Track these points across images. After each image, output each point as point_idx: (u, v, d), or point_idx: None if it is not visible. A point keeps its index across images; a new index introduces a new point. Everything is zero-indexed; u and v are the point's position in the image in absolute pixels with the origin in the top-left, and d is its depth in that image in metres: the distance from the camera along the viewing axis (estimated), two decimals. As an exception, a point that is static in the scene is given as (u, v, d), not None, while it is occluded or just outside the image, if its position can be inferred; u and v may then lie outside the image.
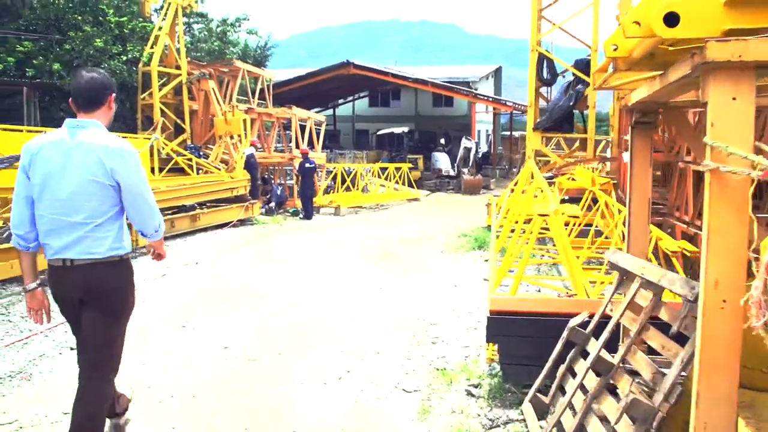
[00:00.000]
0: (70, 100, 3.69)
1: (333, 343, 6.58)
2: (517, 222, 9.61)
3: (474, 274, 9.90)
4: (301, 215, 18.52)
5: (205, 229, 14.44)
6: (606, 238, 9.04)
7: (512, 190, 13.39)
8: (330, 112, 47.64)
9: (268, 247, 12.64)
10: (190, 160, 15.06)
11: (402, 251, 12.25)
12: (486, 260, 11.02)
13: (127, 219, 3.78)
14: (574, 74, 15.98)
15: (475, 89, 39.62)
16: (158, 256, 4.12)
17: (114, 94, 3.76)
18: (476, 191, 29.99)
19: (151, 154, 13.48)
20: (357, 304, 8.12)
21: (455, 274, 9.93)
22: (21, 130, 11.43)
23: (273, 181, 21.19)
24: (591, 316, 4.61)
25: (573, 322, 4.62)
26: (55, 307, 3.82)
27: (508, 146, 45.64)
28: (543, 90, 16.95)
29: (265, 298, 8.33)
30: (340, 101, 48.25)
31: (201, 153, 17.48)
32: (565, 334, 4.59)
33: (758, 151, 2.67)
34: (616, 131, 15.11)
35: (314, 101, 39.27)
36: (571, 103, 15.56)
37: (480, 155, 36.67)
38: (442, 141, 36.88)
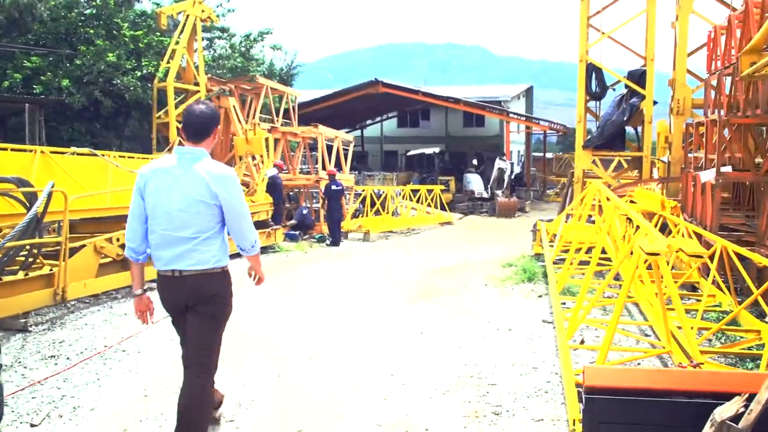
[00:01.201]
0: (180, 128, 4.21)
1: (367, 412, 5.16)
2: (578, 250, 8.15)
3: (529, 314, 8.42)
4: (328, 242, 17.17)
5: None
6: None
7: (569, 216, 11.97)
8: (358, 133, 46.54)
9: (290, 279, 11.28)
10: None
11: (441, 284, 10.81)
12: (540, 296, 9.53)
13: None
14: (627, 87, 14.54)
15: (507, 109, 38.22)
16: (258, 280, 4.67)
17: (219, 126, 4.28)
18: (511, 214, 28.48)
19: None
20: (395, 355, 6.68)
21: (507, 314, 8.45)
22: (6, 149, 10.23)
23: (299, 202, 19.92)
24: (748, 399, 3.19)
25: (723, 413, 3.17)
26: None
27: (541, 167, 44.18)
28: (591, 105, 15.43)
29: (283, 349, 6.91)
30: (368, 122, 47.15)
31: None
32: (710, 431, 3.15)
33: None
34: (677, 149, 13.59)
35: (342, 122, 38.09)
36: (625, 118, 14.13)
37: (513, 176, 35.18)
38: (475, 162, 35.47)
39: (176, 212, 4.01)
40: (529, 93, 52.85)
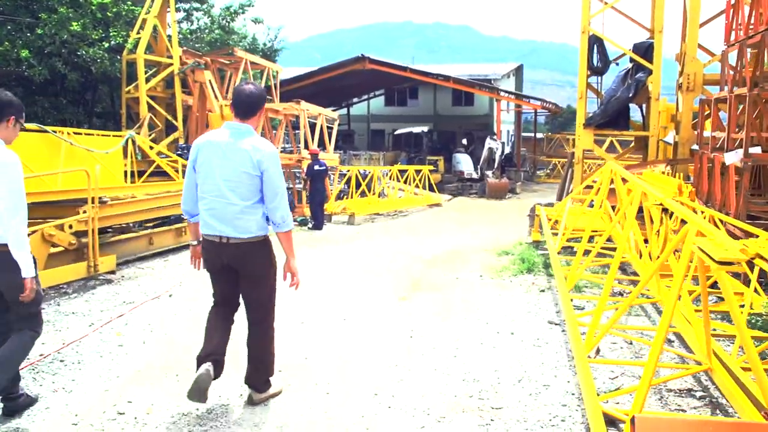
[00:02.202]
0: (230, 105, 4.67)
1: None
2: (591, 239, 7.16)
3: (532, 313, 7.44)
4: (310, 225, 16.13)
5: (193, 245, 12.10)
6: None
7: (576, 201, 10.98)
8: (344, 111, 45.46)
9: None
10: (176, 162, 12.70)
11: (432, 275, 9.82)
12: (542, 290, 8.55)
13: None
14: (632, 61, 13.51)
15: (498, 87, 37.13)
16: (293, 280, 4.73)
17: (264, 106, 4.74)
18: (502, 195, 27.59)
19: (126, 155, 11.13)
20: (379, 367, 5.67)
21: (507, 313, 7.47)
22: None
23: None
24: None
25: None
26: None
27: (531, 147, 43.27)
28: (592, 81, 14.37)
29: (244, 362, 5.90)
30: (355, 100, 46.05)
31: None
32: None
33: None
34: (686, 128, 12.61)
35: (327, 100, 36.89)
36: (630, 95, 13.10)
37: (504, 157, 34.17)
38: (464, 141, 34.45)
39: (223, 182, 4.42)
40: (519, 71, 51.76)
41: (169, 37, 16.42)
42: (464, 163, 31.63)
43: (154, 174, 12.82)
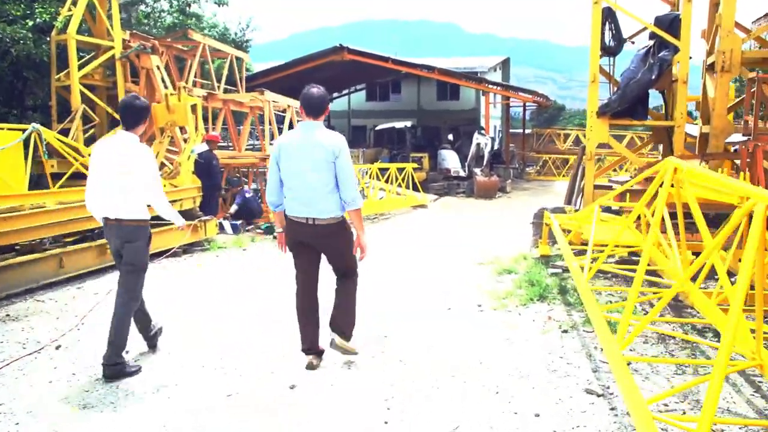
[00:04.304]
0: (300, 107, 5.23)
1: None
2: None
3: (560, 372, 5.24)
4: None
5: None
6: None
7: (576, 200, 8.81)
8: (323, 106, 43.14)
9: (209, 297, 8.03)
10: (101, 161, 10.40)
11: (416, 305, 7.61)
12: (565, 330, 6.36)
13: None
14: (654, 37, 11.35)
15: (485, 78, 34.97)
16: (362, 252, 5.40)
17: (329, 105, 5.48)
18: (492, 195, 25.45)
19: (28, 153, 8.84)
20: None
21: (523, 372, 5.26)
22: None
23: (245, 185, 16.54)
24: None
25: None
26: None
27: (519, 143, 41.25)
28: (603, 64, 12.13)
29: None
30: (335, 95, 43.68)
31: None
32: None
33: None
34: (720, 116, 10.48)
35: (305, 94, 34.55)
36: (653, 77, 10.89)
37: (492, 153, 31.98)
38: (450, 137, 32.29)
39: (306, 172, 5.09)
40: (506, 65, 49.81)
41: (110, 16, 14.07)
42: (450, 160, 29.50)
43: (76, 176, 10.52)
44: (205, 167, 13.46)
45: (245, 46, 29.22)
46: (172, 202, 11.52)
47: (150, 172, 5.31)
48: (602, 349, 5.49)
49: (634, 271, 7.15)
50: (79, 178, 10.42)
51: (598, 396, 4.69)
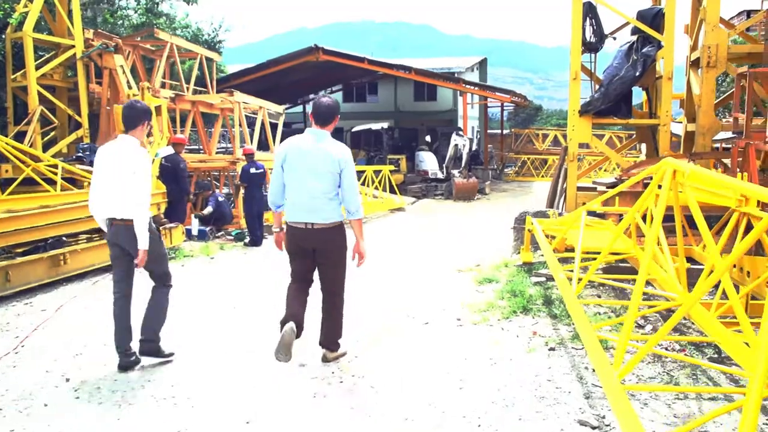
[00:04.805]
0: (310, 114, 5.38)
1: None
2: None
3: (546, 399, 4.72)
4: (246, 240, 13.28)
5: (81, 276, 9.20)
6: None
7: (559, 202, 8.32)
8: (299, 108, 42.60)
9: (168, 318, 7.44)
10: (55, 167, 9.78)
11: (390, 319, 7.09)
12: (552, 348, 5.86)
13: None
14: (637, 32, 10.94)
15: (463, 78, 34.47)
16: (360, 258, 5.51)
17: (338, 116, 5.47)
18: (471, 197, 25.02)
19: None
20: None
21: (509, 400, 4.74)
22: None
23: (216, 190, 15.91)
24: None
25: None
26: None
27: (497, 144, 40.89)
28: (585, 60, 11.71)
29: None
30: (311, 96, 43.03)
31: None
32: None
33: None
34: (706, 114, 10.09)
35: (280, 96, 33.76)
36: (638, 73, 10.49)
37: (471, 154, 31.52)
38: (428, 138, 31.78)
39: (310, 179, 5.19)
40: (483, 65, 49.35)
41: (70, 13, 13.40)
42: (428, 161, 29.08)
43: (28, 183, 9.85)
44: (171, 171, 12.80)
45: (218, 47, 28.56)
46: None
47: (140, 178, 5.32)
48: (593, 370, 5.01)
49: (624, 281, 6.71)
50: (31, 184, 9.76)
51: (593, 429, 4.18)
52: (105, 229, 5.53)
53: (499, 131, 42.93)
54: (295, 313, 5.28)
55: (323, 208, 5.22)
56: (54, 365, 5.60)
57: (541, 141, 41.21)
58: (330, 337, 5.60)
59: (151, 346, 5.57)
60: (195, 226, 13.25)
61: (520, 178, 36.45)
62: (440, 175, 28.04)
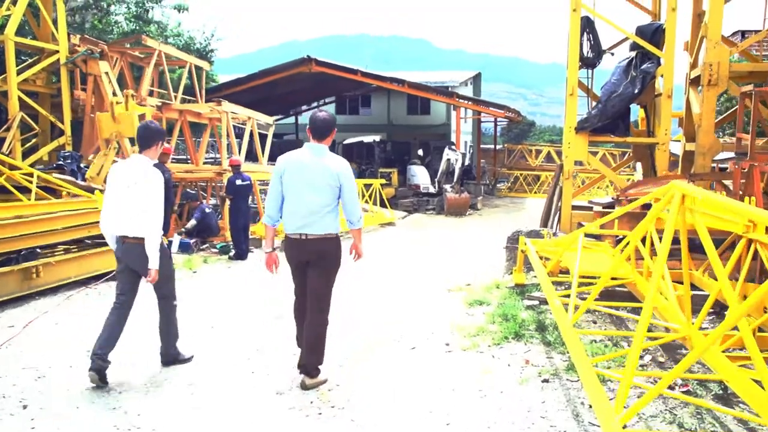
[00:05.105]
0: (308, 129, 5.43)
1: None
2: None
3: (541, 434, 4.41)
4: (231, 253, 12.91)
5: (55, 289, 8.80)
6: None
7: (554, 221, 7.99)
8: (292, 120, 42.30)
9: (142, 336, 7.04)
10: (30, 176, 9.41)
11: (377, 344, 6.73)
12: (545, 380, 5.50)
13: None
14: (636, 48, 10.68)
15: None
16: (358, 256, 5.77)
17: (335, 129, 5.54)
18: (463, 212, 24.70)
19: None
20: None
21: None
22: None
23: (203, 201, 15.53)
24: None
25: None
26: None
27: (490, 159, 40.69)
28: (582, 76, 11.44)
29: None
30: (304, 108, 42.79)
31: (79, 165, 11.89)
32: None
33: None
34: (707, 133, 9.82)
35: (272, 107, 33.40)
36: (636, 90, 10.22)
37: (463, 169, 31.21)
38: (420, 152, 31.50)
39: (308, 192, 5.25)
40: (477, 80, 49.15)
41: (55, 19, 13.06)
42: (420, 176, 28.82)
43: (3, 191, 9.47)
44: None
45: (210, 56, 28.30)
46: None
47: (153, 197, 5.41)
48: (590, 406, 4.66)
49: (621, 308, 6.38)
50: (4, 192, 9.39)
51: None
52: (113, 246, 5.62)
53: (492, 146, 42.78)
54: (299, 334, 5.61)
55: (320, 221, 5.27)
56: (12, 390, 5.22)
57: (534, 157, 41.06)
58: (310, 362, 5.40)
59: (170, 359, 5.83)
60: (176, 243, 12.86)
61: (512, 194, 36.22)
62: (432, 190, 27.78)
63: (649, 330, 6.86)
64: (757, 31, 10.77)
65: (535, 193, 36.30)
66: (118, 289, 5.67)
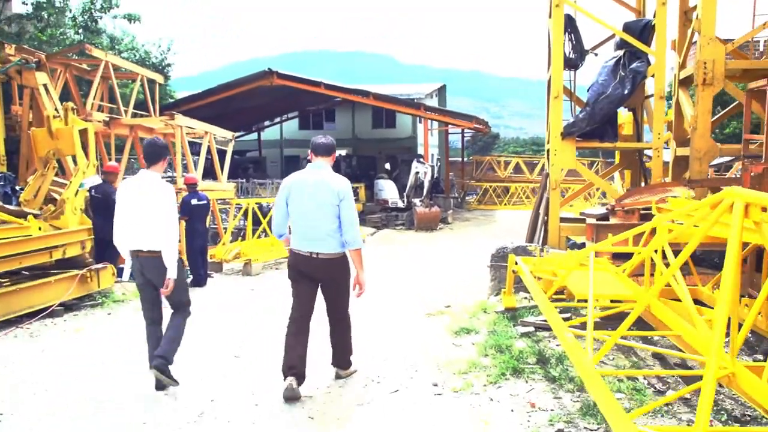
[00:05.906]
0: (310, 150, 5.68)
1: None
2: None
3: None
4: (188, 279, 11.78)
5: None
6: None
7: (540, 234, 7.06)
8: (255, 136, 41.24)
9: (81, 381, 5.96)
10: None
11: (353, 394, 5.74)
12: (560, 430, 4.55)
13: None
14: (623, 46, 9.89)
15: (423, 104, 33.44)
16: (360, 290, 5.68)
17: (336, 151, 5.86)
18: (433, 227, 23.84)
19: None
20: None
21: None
22: None
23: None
24: None
25: None
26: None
27: (458, 172, 39.99)
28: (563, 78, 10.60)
29: None
30: (267, 123, 41.75)
31: (14, 187, 10.73)
32: None
33: None
34: (703, 136, 9.03)
35: (234, 123, 32.23)
36: (626, 92, 9.41)
37: (432, 182, 30.35)
38: (387, 166, 30.67)
39: (312, 209, 5.45)
40: (442, 92, 48.62)
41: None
42: (388, 190, 27.96)
43: None
44: (102, 203, 11.24)
45: (166, 71, 27.14)
46: (53, 247, 9.47)
47: (167, 210, 5.54)
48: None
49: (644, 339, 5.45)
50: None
51: None
52: (128, 260, 5.72)
53: (459, 159, 42.11)
54: (294, 365, 5.39)
55: (327, 238, 5.44)
56: None
57: (503, 168, 40.47)
58: (342, 358, 5.96)
59: (163, 364, 5.55)
60: (128, 268, 11.70)
61: (482, 207, 35.56)
62: (401, 204, 26.96)
63: (660, 358, 5.99)
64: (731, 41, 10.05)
65: (505, 204, 35.68)
66: (143, 305, 5.83)
